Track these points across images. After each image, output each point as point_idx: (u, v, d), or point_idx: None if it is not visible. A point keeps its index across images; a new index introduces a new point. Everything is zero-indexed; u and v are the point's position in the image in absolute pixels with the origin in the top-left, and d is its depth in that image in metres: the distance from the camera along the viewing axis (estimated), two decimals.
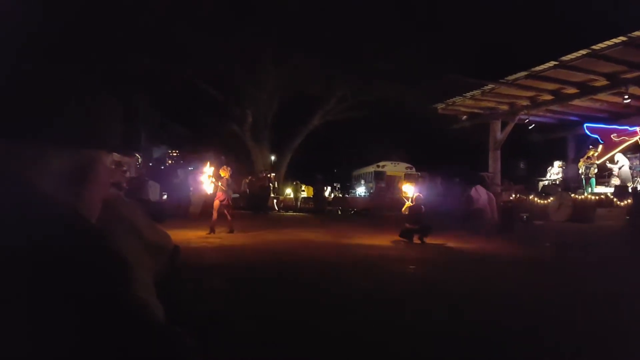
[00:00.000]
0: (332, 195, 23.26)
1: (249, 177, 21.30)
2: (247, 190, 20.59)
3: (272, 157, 27.20)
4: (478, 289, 5.07)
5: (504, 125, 17.43)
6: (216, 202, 9.88)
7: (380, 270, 6.20)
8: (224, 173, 10.21)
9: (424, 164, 26.22)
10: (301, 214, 19.91)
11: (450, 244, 9.09)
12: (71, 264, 0.71)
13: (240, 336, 3.23)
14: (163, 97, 21.53)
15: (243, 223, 13.26)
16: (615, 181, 14.88)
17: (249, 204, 19.58)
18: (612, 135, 16.46)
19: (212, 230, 9.77)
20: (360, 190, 27.50)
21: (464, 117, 18.65)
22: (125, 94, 18.91)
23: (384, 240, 9.47)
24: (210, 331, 3.17)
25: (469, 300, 4.55)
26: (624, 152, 15.64)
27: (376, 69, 20.90)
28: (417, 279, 5.82)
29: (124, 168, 10.60)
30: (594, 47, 11.46)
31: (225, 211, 10.09)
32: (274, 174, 24.58)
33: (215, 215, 9.86)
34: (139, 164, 12.00)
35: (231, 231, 9.97)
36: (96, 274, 0.76)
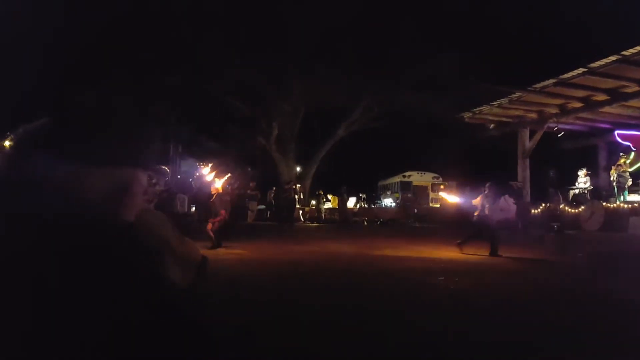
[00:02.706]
0: (358, 205, 23.20)
1: (274, 189, 21.49)
2: (273, 202, 20.78)
3: (298, 168, 27.37)
4: (505, 298, 5.00)
5: (532, 134, 17.15)
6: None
7: (409, 282, 6.17)
8: (222, 184, 9.57)
9: (451, 174, 25.95)
10: (327, 224, 19.93)
11: (480, 254, 8.95)
12: (111, 251, 0.88)
13: (269, 345, 3.28)
14: (190, 111, 22.03)
15: (270, 234, 13.37)
16: None
17: (274, 216, 19.75)
18: None
19: (217, 244, 9.10)
20: (387, 201, 27.39)
21: (492, 125, 18.43)
22: (156, 111, 19.45)
23: (410, 251, 9.40)
24: (240, 342, 3.23)
25: (498, 309, 4.49)
26: None
27: (402, 78, 20.89)
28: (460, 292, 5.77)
29: (154, 181, 10.89)
30: (624, 52, 11.24)
31: (212, 223, 9.36)
32: (299, 185, 24.72)
33: (209, 226, 9.30)
34: (168, 178, 12.25)
35: (213, 247, 8.94)
36: (131, 260, 0.90)
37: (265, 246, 9.98)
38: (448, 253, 8.85)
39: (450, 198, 10.92)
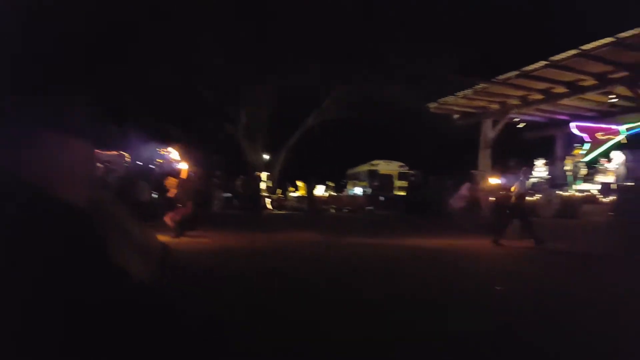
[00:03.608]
0: (326, 194, 23.31)
1: (242, 177, 21.33)
2: (240, 190, 20.63)
3: (266, 157, 27.20)
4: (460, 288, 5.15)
5: (495, 124, 17.60)
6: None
7: (374, 268, 6.26)
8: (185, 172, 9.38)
9: (416, 163, 26.40)
10: (294, 213, 19.96)
11: (443, 241, 9.18)
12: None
13: (240, 335, 3.27)
14: (154, 96, 21.47)
15: (236, 223, 13.29)
16: (606, 178, 15.06)
17: (241, 204, 19.61)
18: (598, 134, 16.69)
19: (179, 233, 8.89)
20: (354, 189, 27.60)
21: (457, 116, 18.79)
22: (114, 92, 18.84)
23: (378, 239, 9.54)
24: (207, 332, 3.20)
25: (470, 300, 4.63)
26: (619, 149, 15.85)
27: (370, 68, 20.98)
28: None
29: (113, 167, 10.58)
30: (583, 47, 11.60)
31: (176, 214, 9.13)
32: (267, 173, 24.60)
33: (170, 216, 9.05)
34: (127, 164, 11.93)
35: (176, 236, 8.71)
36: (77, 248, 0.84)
37: (232, 235, 9.92)
38: (415, 241, 9.03)
39: (495, 181, 11.07)
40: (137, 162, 13.24)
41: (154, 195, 11.92)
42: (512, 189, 9.43)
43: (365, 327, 3.46)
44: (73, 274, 0.84)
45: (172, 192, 9.12)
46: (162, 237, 8.19)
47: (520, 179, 9.26)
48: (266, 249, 8.10)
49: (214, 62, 20.69)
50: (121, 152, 13.61)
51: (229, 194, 20.89)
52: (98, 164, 10.39)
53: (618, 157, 15.19)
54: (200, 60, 20.41)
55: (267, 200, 21.71)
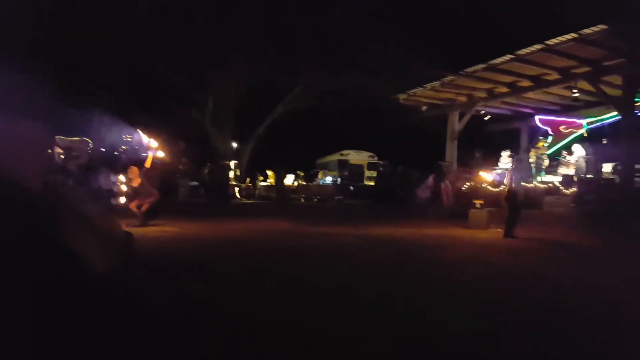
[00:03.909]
0: (296, 183, 23.23)
1: (209, 165, 20.98)
2: (207, 178, 20.30)
3: (235, 144, 26.84)
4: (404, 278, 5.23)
5: (462, 117, 17.93)
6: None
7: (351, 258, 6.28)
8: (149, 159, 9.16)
9: (386, 153, 26.64)
10: (263, 202, 19.83)
11: (408, 229, 9.29)
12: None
13: (202, 325, 3.22)
14: (119, 80, 20.80)
15: (203, 211, 13.11)
16: (564, 170, 15.58)
17: (208, 193, 19.31)
18: (561, 127, 17.23)
19: (144, 222, 8.74)
20: (325, 178, 27.63)
21: (425, 107, 19.03)
22: (75, 77, 18.19)
23: (344, 228, 9.56)
24: (171, 320, 3.14)
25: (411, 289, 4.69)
26: (579, 142, 16.39)
27: (341, 58, 20.90)
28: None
29: (75, 154, 10.22)
30: (547, 42, 11.90)
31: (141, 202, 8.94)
32: (236, 162, 24.28)
33: (135, 203, 8.89)
34: (90, 151, 11.55)
35: (140, 225, 8.57)
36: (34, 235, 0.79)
37: (198, 224, 9.75)
38: (381, 230, 9.11)
39: (488, 176, 10.79)
40: (101, 149, 12.84)
41: (119, 183, 11.60)
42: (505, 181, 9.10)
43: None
44: (23, 259, 0.79)
45: (136, 182, 8.89)
46: (126, 226, 8.02)
47: (512, 167, 9.17)
48: (232, 237, 8.01)
49: (181, 45, 20.16)
50: (84, 138, 13.18)
51: (195, 183, 20.54)
52: (59, 150, 9.98)
53: (578, 150, 15.74)
54: (167, 44, 19.85)
55: (236, 189, 21.47)
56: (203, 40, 20.32)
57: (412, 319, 3.50)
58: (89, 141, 12.40)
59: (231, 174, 21.58)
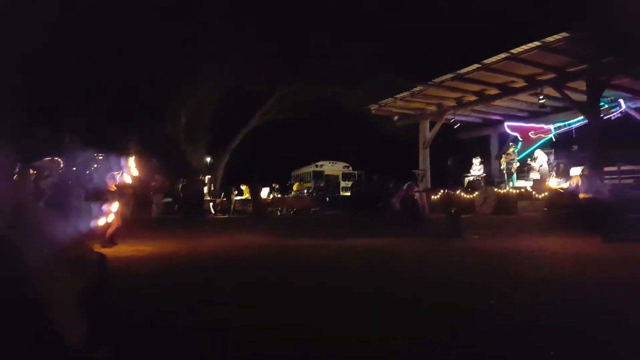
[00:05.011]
0: (271, 195, 23.15)
1: (183, 180, 20.70)
2: (181, 194, 20.01)
3: (208, 158, 26.59)
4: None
5: (432, 125, 18.25)
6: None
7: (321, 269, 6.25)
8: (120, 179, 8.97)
9: (361, 163, 26.83)
10: (239, 216, 19.65)
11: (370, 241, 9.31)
12: None
13: (181, 343, 3.14)
14: (90, 97, 20.42)
15: (177, 228, 12.89)
16: (535, 175, 15.98)
17: (183, 209, 19.03)
18: (530, 133, 17.70)
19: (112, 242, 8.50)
20: (300, 190, 27.60)
21: (396, 117, 19.30)
22: (45, 95, 17.76)
23: (322, 239, 9.53)
24: (148, 341, 3.06)
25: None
26: (542, 148, 16.83)
27: (315, 69, 21.05)
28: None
29: (45, 174, 9.92)
30: (512, 50, 12.26)
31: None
32: (209, 176, 24.03)
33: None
34: (62, 169, 11.25)
35: (111, 246, 8.30)
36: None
37: (173, 241, 9.57)
38: (359, 241, 9.10)
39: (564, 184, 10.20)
40: (72, 168, 12.51)
41: (91, 203, 11.32)
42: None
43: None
44: None
45: (112, 202, 8.67)
46: (99, 247, 7.81)
47: (585, 179, 8.76)
48: (208, 255, 7.89)
49: (153, 60, 19.95)
50: (55, 158, 12.84)
51: (169, 199, 20.22)
52: (30, 171, 9.68)
53: (541, 156, 16.20)
54: (139, 59, 19.62)
55: (210, 205, 21.23)
56: (176, 54, 20.19)
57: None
58: (60, 160, 12.06)
59: (205, 189, 21.34)
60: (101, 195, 8.68)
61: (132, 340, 2.87)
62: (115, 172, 8.94)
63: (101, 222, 8.51)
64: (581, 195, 8.71)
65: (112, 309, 3.20)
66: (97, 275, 1.61)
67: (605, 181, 10.17)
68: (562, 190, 9.27)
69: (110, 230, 8.61)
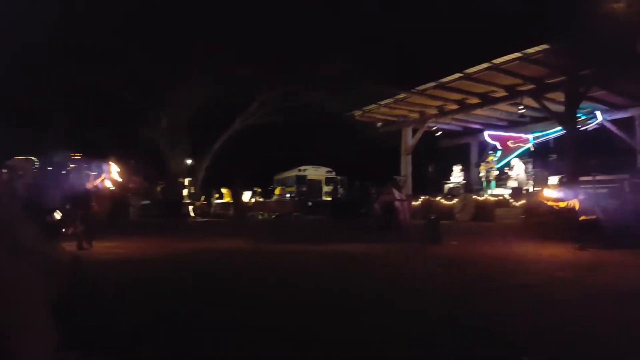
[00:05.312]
0: (253, 199, 22.99)
1: (162, 183, 20.46)
2: (160, 197, 19.77)
3: (189, 161, 26.31)
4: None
5: (415, 132, 18.41)
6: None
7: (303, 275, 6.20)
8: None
9: (343, 168, 26.87)
10: (219, 219, 19.47)
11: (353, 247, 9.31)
12: None
13: (159, 348, 3.07)
14: (68, 98, 20.04)
15: (155, 231, 12.70)
16: (513, 183, 16.23)
17: (161, 212, 18.79)
18: (508, 142, 17.98)
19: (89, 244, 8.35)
20: (283, 194, 27.45)
21: (379, 124, 19.44)
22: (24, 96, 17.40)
23: (304, 245, 9.49)
24: (126, 344, 2.99)
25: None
26: (520, 157, 17.10)
27: (298, 74, 21.03)
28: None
29: (19, 174, 9.69)
30: (494, 61, 12.46)
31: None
32: (190, 179, 23.77)
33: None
34: (36, 169, 11.01)
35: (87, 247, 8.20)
36: None
37: (149, 244, 9.41)
38: (337, 247, 9.09)
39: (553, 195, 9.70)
40: (48, 168, 12.26)
41: (67, 204, 11.10)
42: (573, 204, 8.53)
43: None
44: None
45: (88, 203, 8.51)
46: (73, 249, 7.63)
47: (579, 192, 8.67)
48: (185, 258, 7.77)
49: (134, 63, 19.70)
50: (29, 157, 12.56)
51: (147, 201, 19.93)
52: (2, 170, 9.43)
53: (518, 165, 16.48)
54: (119, 62, 19.36)
55: (190, 207, 20.99)
56: (157, 57, 19.97)
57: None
58: (35, 159, 11.80)
59: (185, 192, 21.11)
60: (77, 196, 8.51)
61: (110, 346, 2.80)
62: (92, 173, 8.78)
63: (77, 222, 8.36)
64: (581, 218, 8.32)
65: (89, 312, 3.12)
66: (71, 278, 1.55)
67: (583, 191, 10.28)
68: (557, 208, 9.03)
69: (85, 232, 8.44)
